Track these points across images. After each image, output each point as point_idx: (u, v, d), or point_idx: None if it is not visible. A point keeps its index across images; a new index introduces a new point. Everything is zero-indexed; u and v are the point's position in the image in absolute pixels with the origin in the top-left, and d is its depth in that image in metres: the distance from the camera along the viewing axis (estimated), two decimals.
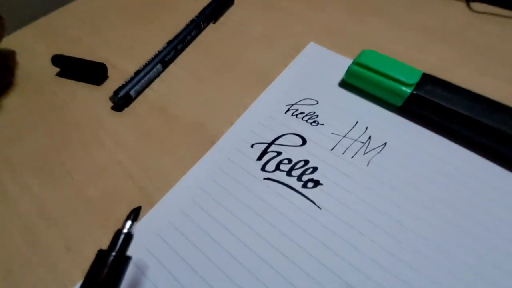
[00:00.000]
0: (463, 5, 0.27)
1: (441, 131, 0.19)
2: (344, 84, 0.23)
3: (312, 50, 0.25)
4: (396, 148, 0.19)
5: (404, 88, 0.19)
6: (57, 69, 0.26)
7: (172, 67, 0.26)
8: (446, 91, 0.19)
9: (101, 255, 0.12)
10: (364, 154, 0.19)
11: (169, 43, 0.26)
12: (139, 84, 0.23)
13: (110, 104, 0.23)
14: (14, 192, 0.19)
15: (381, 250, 0.15)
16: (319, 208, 0.17)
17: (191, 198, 0.18)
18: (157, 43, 0.26)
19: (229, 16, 0.29)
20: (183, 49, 0.27)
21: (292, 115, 0.21)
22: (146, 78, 0.24)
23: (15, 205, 0.19)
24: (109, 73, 0.25)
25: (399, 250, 0.15)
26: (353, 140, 0.20)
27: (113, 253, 0.12)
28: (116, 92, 0.23)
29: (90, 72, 0.25)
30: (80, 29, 0.30)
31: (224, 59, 0.26)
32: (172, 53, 0.25)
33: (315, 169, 0.18)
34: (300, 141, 0.20)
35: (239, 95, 0.23)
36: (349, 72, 0.21)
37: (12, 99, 0.24)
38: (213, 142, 0.20)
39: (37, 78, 0.26)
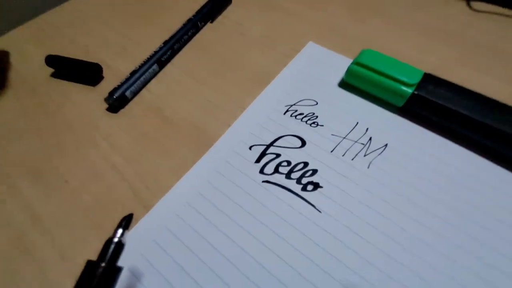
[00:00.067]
0: (463, 4, 0.27)
1: (442, 132, 0.19)
2: (344, 84, 0.22)
3: (311, 50, 0.25)
4: (397, 149, 0.19)
5: (405, 88, 0.19)
6: (51, 70, 0.25)
7: (168, 67, 0.25)
8: (449, 91, 0.18)
9: (90, 266, 0.11)
10: (364, 156, 0.18)
11: (165, 42, 0.25)
12: (135, 85, 0.23)
13: (105, 105, 0.23)
14: (5, 198, 0.19)
15: (382, 255, 0.15)
16: (319, 211, 0.17)
17: (188, 202, 0.17)
18: (153, 43, 0.26)
19: (227, 16, 0.29)
20: (180, 49, 0.26)
21: (291, 116, 0.21)
22: (142, 79, 0.23)
23: (6, 211, 0.18)
24: (104, 73, 0.25)
25: (401, 254, 0.15)
26: (354, 142, 0.19)
27: (103, 264, 0.11)
28: (111, 93, 0.22)
29: (84, 72, 0.24)
30: (74, 29, 0.29)
31: (222, 59, 0.25)
32: (168, 53, 0.25)
33: (314, 171, 0.18)
34: (299, 143, 0.19)
35: (237, 96, 0.23)
36: (349, 72, 0.21)
37: (5, 100, 0.24)
38: (210, 144, 0.20)
39: (30, 79, 0.25)
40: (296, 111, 0.21)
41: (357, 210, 0.16)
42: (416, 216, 0.16)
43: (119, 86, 0.22)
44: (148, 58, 0.24)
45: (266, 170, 0.18)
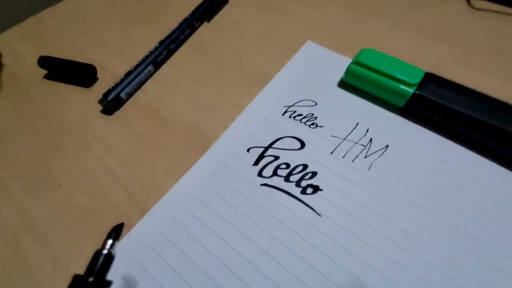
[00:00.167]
0: (463, 3, 0.27)
1: (444, 132, 0.19)
2: (343, 84, 0.22)
3: (310, 49, 0.24)
4: (398, 150, 0.18)
5: (406, 88, 0.19)
6: (44, 71, 0.25)
7: (164, 68, 0.25)
8: (451, 91, 0.18)
9: (77, 281, 0.11)
10: (365, 157, 0.18)
11: (161, 42, 0.25)
12: (130, 86, 0.22)
13: (100, 107, 0.22)
14: None
15: (383, 258, 0.15)
16: (319, 215, 0.16)
17: (184, 206, 0.17)
18: (149, 43, 0.25)
19: (224, 15, 0.29)
20: (176, 49, 0.26)
21: (289, 117, 0.20)
22: (137, 80, 0.23)
23: None
24: (99, 74, 0.24)
25: (401, 256, 0.15)
26: (354, 143, 0.19)
27: (91, 279, 0.10)
28: (105, 95, 0.22)
29: (78, 74, 0.24)
30: (68, 30, 0.29)
31: (219, 59, 0.25)
32: (164, 53, 0.25)
33: (314, 174, 0.18)
34: (298, 145, 0.19)
35: (235, 97, 0.22)
36: (348, 71, 0.21)
37: None
38: (207, 145, 0.20)
39: (23, 80, 0.25)
40: (295, 112, 0.21)
41: (357, 213, 0.16)
42: (417, 218, 0.16)
43: (114, 88, 0.22)
44: (143, 59, 0.24)
45: (264, 173, 0.18)
